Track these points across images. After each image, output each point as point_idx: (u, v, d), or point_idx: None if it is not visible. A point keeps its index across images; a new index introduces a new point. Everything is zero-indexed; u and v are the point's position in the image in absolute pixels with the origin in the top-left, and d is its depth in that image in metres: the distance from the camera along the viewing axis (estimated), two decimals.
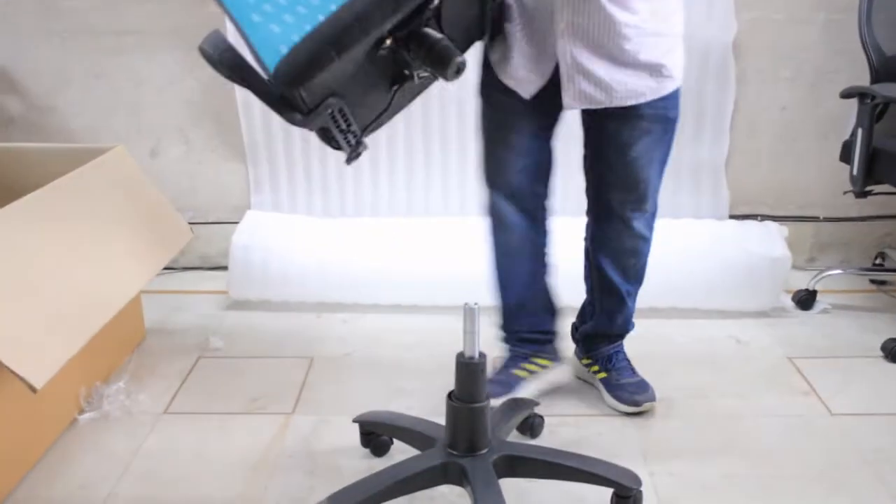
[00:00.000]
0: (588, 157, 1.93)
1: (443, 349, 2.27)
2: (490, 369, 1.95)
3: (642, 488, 1.67)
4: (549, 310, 2.10)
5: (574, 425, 2.01)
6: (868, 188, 2.41)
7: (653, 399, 2.01)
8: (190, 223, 2.40)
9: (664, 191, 1.93)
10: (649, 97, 1.76)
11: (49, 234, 1.84)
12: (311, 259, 2.64)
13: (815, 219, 2.92)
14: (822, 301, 2.63)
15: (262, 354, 2.39)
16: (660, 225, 1.97)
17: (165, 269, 2.37)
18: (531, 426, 1.94)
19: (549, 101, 1.78)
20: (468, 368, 1.61)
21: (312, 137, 2.75)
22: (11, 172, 2.27)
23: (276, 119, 2.77)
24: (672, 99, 1.80)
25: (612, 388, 2.05)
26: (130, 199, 2.20)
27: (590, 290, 2.10)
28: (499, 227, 1.99)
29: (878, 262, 2.89)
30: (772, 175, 2.87)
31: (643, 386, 2.04)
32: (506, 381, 2.04)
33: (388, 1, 1.37)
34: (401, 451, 1.85)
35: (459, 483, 1.64)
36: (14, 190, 1.88)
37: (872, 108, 2.32)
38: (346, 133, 1.54)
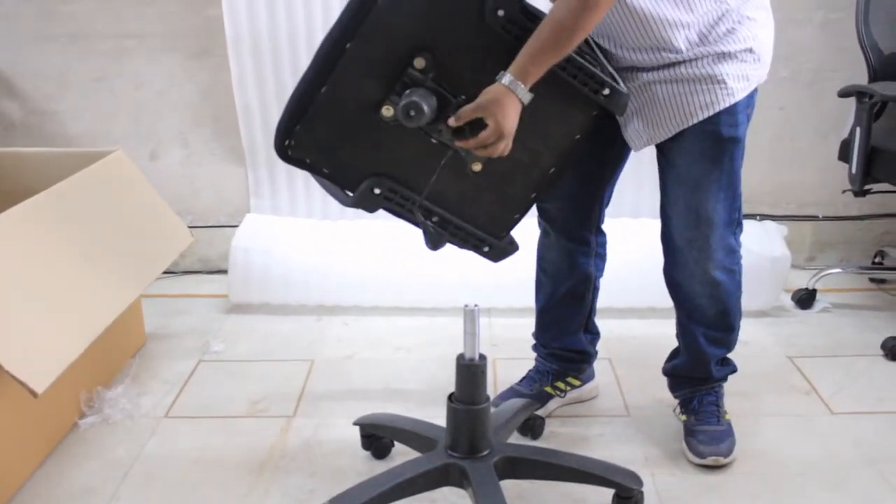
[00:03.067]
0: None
1: (443, 351, 2.28)
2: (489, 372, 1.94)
3: (644, 489, 1.67)
4: (588, 330, 2.04)
5: (575, 426, 2.01)
6: (867, 187, 2.41)
7: (722, 454, 1.83)
8: (190, 227, 2.40)
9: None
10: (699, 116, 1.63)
11: (49, 238, 1.84)
12: (310, 262, 2.64)
13: (814, 218, 2.92)
14: (821, 300, 2.64)
15: (263, 358, 2.39)
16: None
17: (165, 272, 2.37)
18: (532, 427, 1.94)
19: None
20: (469, 370, 1.60)
21: None
22: (11, 177, 2.28)
23: (274, 122, 2.77)
24: (727, 114, 1.64)
25: (687, 432, 1.90)
26: (130, 203, 2.20)
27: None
28: (542, 238, 1.95)
29: (877, 260, 2.89)
30: (770, 174, 2.87)
31: (717, 437, 1.86)
32: (537, 397, 1.99)
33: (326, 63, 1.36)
34: (402, 454, 1.85)
35: (460, 485, 1.64)
36: (14, 194, 1.88)
37: (871, 107, 2.32)
38: (405, 209, 1.53)
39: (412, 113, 1.34)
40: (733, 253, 1.79)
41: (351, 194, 1.50)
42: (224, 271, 2.78)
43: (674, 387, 1.98)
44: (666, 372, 1.98)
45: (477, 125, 1.42)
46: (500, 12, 1.32)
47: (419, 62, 1.34)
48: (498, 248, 1.63)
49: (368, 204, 1.50)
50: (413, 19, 1.29)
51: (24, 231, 1.78)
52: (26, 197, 1.83)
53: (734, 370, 1.96)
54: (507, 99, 1.43)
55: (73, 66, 2.79)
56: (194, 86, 2.81)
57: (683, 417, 1.93)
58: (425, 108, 1.35)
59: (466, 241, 1.62)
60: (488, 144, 1.45)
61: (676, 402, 1.97)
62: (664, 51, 1.58)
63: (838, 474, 1.82)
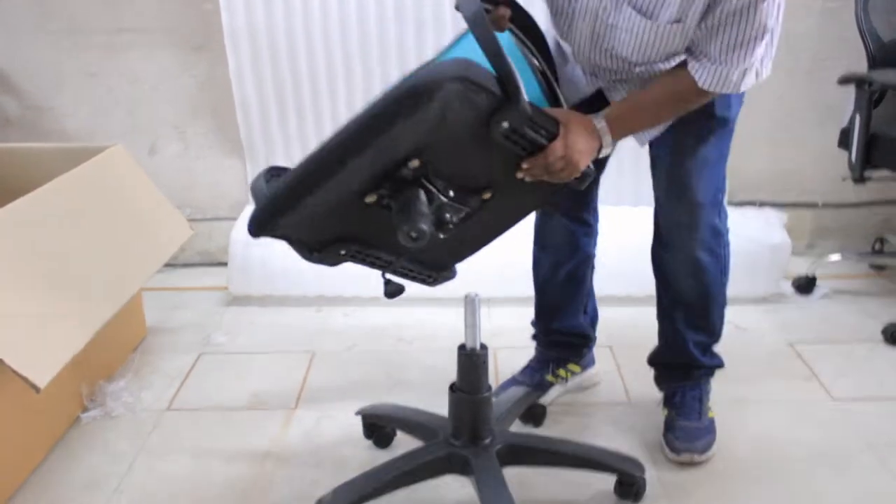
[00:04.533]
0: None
1: (444, 342, 2.28)
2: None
3: (645, 475, 1.68)
4: (587, 313, 2.05)
5: (576, 414, 2.01)
6: (867, 174, 2.41)
7: (697, 451, 1.81)
8: (189, 220, 2.40)
9: None
10: None
11: (50, 233, 1.84)
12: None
13: (813, 205, 2.92)
14: (821, 286, 2.64)
15: (264, 350, 2.39)
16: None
17: (165, 266, 2.37)
18: (534, 416, 1.95)
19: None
20: (470, 360, 1.61)
21: (310, 131, 2.76)
22: (10, 173, 2.27)
23: (273, 115, 2.79)
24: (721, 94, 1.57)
25: (667, 427, 1.88)
26: (130, 197, 2.20)
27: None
28: (542, 218, 1.94)
29: (877, 247, 2.90)
30: (770, 162, 2.87)
31: (695, 434, 1.84)
32: (538, 387, 2.00)
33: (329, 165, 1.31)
34: (404, 443, 1.85)
35: (463, 473, 1.64)
36: (13, 190, 1.88)
37: (870, 95, 2.32)
38: (367, 263, 1.53)
39: (414, 236, 1.33)
40: (718, 235, 1.78)
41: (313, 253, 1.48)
42: (224, 264, 2.78)
43: (659, 379, 1.98)
44: (651, 361, 1.98)
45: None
46: (505, 124, 1.32)
47: (414, 163, 1.33)
48: (443, 278, 1.65)
49: (331, 262, 1.49)
50: (425, 132, 1.28)
51: (25, 226, 1.78)
52: (25, 193, 1.83)
53: (721, 364, 1.94)
54: (592, 133, 1.46)
55: (69, 61, 2.78)
56: (192, 79, 2.80)
57: (665, 411, 1.92)
58: (427, 230, 1.33)
59: (415, 278, 1.62)
60: (552, 166, 1.41)
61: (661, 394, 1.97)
62: (678, 55, 1.55)
63: (839, 460, 1.82)
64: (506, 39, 1.49)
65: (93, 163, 2.09)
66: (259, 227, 1.40)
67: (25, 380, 1.54)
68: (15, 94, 2.83)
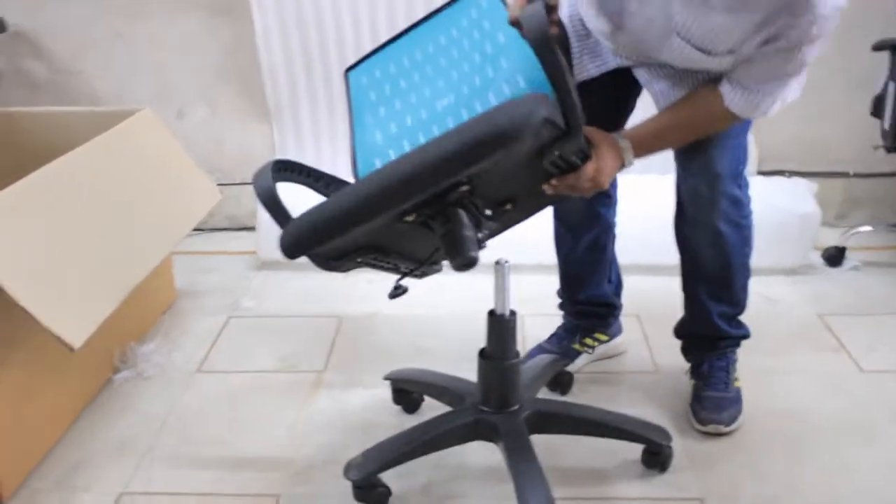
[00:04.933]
0: None
1: (471, 306, 2.29)
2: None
3: (672, 444, 1.68)
4: (612, 281, 2.04)
5: (603, 382, 2.02)
6: None
7: (724, 422, 1.81)
8: (217, 184, 2.41)
9: None
10: None
11: (80, 197, 1.85)
12: None
13: (844, 174, 2.88)
14: (851, 258, 2.61)
15: (292, 314, 2.41)
16: None
17: (194, 230, 2.38)
18: (560, 383, 1.95)
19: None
20: (500, 326, 1.61)
21: (337, 97, 2.75)
22: (39, 137, 2.29)
23: (300, 80, 2.78)
24: None
25: (693, 397, 1.88)
26: (158, 162, 2.21)
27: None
28: None
29: None
30: (801, 131, 2.83)
31: (721, 405, 1.84)
32: (565, 355, 2.00)
33: (397, 193, 1.27)
34: (431, 408, 1.87)
35: (491, 439, 1.65)
36: (43, 154, 1.89)
37: None
38: (389, 270, 1.55)
39: (467, 263, 1.34)
40: (740, 205, 1.76)
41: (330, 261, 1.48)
42: (252, 228, 2.80)
43: (686, 350, 1.97)
44: (677, 333, 1.98)
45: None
46: (557, 152, 1.31)
47: (464, 188, 1.31)
48: (431, 271, 1.65)
49: (346, 269, 1.50)
50: (492, 165, 1.27)
51: (56, 190, 1.79)
52: (56, 157, 1.84)
53: (747, 335, 1.93)
54: (619, 154, 1.49)
55: (97, 25, 2.78)
56: (218, 43, 2.80)
57: (692, 381, 1.92)
58: (477, 256, 1.34)
59: (406, 273, 1.62)
60: (579, 186, 1.44)
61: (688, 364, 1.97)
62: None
63: (868, 432, 1.82)
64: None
65: (122, 127, 2.10)
66: (298, 251, 1.39)
67: (61, 340, 1.56)
68: (44, 59, 2.83)
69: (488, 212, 1.41)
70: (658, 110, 1.65)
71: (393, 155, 1.43)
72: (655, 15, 1.45)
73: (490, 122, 1.20)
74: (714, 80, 1.51)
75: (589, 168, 1.42)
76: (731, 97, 1.48)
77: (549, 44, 1.23)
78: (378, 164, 1.43)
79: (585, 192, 1.45)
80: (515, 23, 1.34)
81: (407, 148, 1.41)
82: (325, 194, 1.58)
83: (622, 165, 1.51)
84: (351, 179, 1.51)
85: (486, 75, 1.41)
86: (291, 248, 1.39)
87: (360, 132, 1.53)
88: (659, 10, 1.44)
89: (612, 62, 1.66)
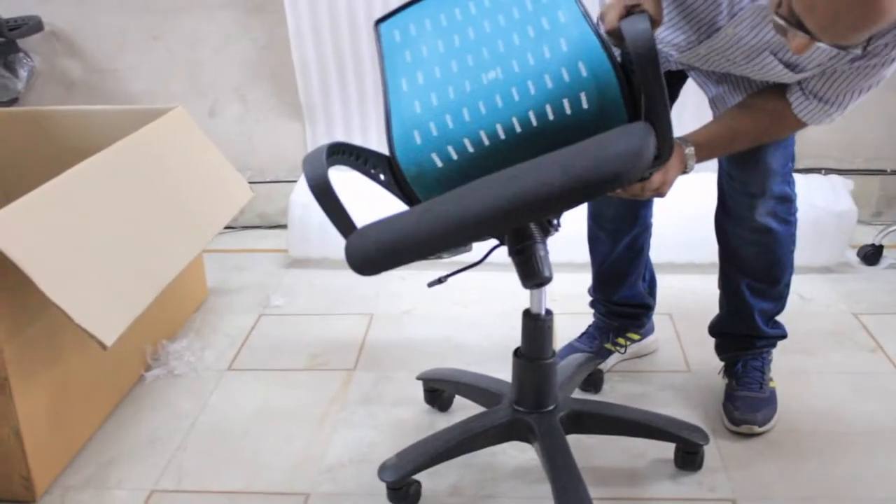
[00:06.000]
0: None
1: (503, 305, 2.29)
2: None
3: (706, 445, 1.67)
4: (646, 280, 2.02)
5: (635, 381, 2.00)
6: None
7: (757, 423, 1.78)
8: (249, 182, 2.42)
9: None
10: None
11: (114, 194, 1.87)
12: (369, 216, 2.63)
13: (882, 172, 2.84)
14: (888, 256, 2.57)
15: (323, 312, 2.42)
16: None
17: (225, 228, 2.40)
18: (593, 381, 1.94)
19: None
20: (535, 325, 1.58)
21: (370, 94, 2.75)
22: (75, 135, 2.31)
23: (332, 78, 2.78)
24: None
25: (727, 396, 1.86)
26: (191, 160, 2.23)
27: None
28: None
29: None
30: (837, 127, 2.74)
31: (755, 405, 1.81)
32: (597, 354, 1.99)
33: (492, 222, 1.22)
34: (462, 408, 1.86)
35: (526, 440, 1.63)
36: (78, 152, 1.91)
37: None
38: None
39: (540, 284, 1.36)
40: (788, 202, 1.75)
41: None
42: (283, 226, 2.80)
43: (720, 348, 1.94)
44: (712, 330, 1.95)
45: None
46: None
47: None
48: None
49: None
50: None
51: (89, 187, 1.81)
52: (90, 154, 1.86)
53: (784, 335, 1.91)
54: (682, 161, 1.51)
55: (131, 24, 2.80)
56: (251, 42, 2.81)
57: (726, 381, 1.90)
58: (551, 276, 1.35)
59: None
60: (644, 194, 1.48)
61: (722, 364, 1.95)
62: None
63: None
64: None
65: (155, 125, 2.11)
66: (373, 270, 1.35)
67: (93, 338, 1.57)
68: (79, 58, 2.86)
69: (555, 220, 1.41)
70: (714, 114, 1.64)
71: (434, 129, 1.36)
72: (747, 34, 1.43)
73: (600, 162, 1.16)
74: (778, 86, 1.50)
75: (656, 179, 1.43)
76: (804, 106, 1.48)
77: (656, 62, 1.18)
78: (417, 137, 1.37)
79: (646, 198, 1.46)
80: (613, 33, 1.31)
81: (450, 125, 1.35)
82: (371, 176, 1.53)
83: (684, 171, 1.51)
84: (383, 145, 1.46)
85: (542, 55, 1.34)
86: (369, 267, 1.35)
87: (395, 99, 1.44)
88: (751, 30, 1.42)
89: (670, 65, 1.65)
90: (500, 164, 1.30)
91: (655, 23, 1.31)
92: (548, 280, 1.34)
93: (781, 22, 1.17)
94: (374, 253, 1.33)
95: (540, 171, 1.20)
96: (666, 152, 1.25)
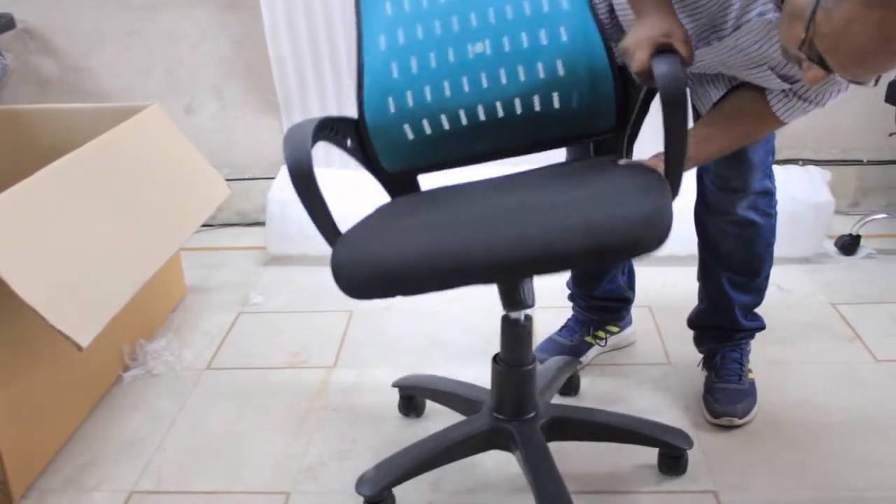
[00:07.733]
0: None
1: (483, 302, 2.28)
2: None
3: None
4: (626, 273, 2.02)
5: (615, 375, 2.00)
6: None
7: (737, 415, 1.78)
8: (226, 180, 2.40)
9: None
10: None
11: (88, 193, 1.85)
12: (348, 212, 2.62)
13: (858, 162, 2.85)
14: (865, 246, 2.59)
15: (302, 309, 2.40)
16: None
17: (203, 226, 2.38)
18: (570, 385, 1.91)
19: None
20: (515, 331, 1.53)
21: (346, 91, 2.74)
22: (50, 133, 2.29)
23: (309, 73, 2.77)
24: None
25: (706, 389, 1.86)
26: (167, 157, 2.21)
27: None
28: None
29: None
30: (814, 118, 2.76)
31: (735, 397, 1.81)
32: (577, 347, 2.00)
33: None
34: (436, 412, 1.85)
35: (507, 448, 1.58)
36: (52, 151, 1.89)
37: None
38: None
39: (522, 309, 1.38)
40: (769, 195, 1.76)
41: None
42: (261, 224, 2.79)
43: (699, 340, 1.95)
44: (691, 323, 1.95)
45: None
46: None
47: None
48: None
49: None
50: None
51: (64, 186, 1.79)
52: (64, 153, 1.84)
53: (762, 327, 1.92)
54: None
55: (106, 21, 2.78)
56: (227, 38, 2.79)
57: (705, 373, 1.90)
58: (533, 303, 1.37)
59: None
60: None
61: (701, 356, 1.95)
62: None
63: (883, 423, 1.80)
64: None
65: (130, 123, 2.09)
66: (365, 296, 1.31)
67: (69, 339, 1.55)
68: (53, 56, 2.83)
69: None
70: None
71: (410, 100, 1.29)
72: (749, 46, 1.42)
73: (623, 229, 1.12)
74: (754, 86, 1.50)
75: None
76: (784, 104, 1.47)
77: (685, 107, 1.15)
78: (391, 105, 1.30)
79: None
80: (643, 73, 1.26)
81: (428, 97, 1.28)
82: (335, 142, 1.45)
83: None
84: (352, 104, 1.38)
85: (537, 39, 1.28)
86: (365, 291, 1.30)
87: (370, 58, 1.35)
88: (754, 43, 1.42)
89: None
90: (474, 145, 1.26)
91: (686, 64, 1.27)
92: (530, 307, 1.31)
93: (803, 57, 1.16)
94: (368, 283, 1.30)
95: (557, 229, 1.12)
96: (675, 191, 1.23)
